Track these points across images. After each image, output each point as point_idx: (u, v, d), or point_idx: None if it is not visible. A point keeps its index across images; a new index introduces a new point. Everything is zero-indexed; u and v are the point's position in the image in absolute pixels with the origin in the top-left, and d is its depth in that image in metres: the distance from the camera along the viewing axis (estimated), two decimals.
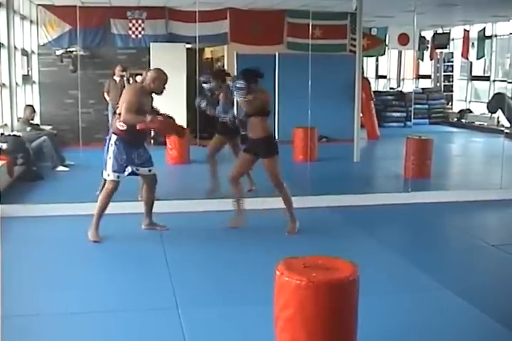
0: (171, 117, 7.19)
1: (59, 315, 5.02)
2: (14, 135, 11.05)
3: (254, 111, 7.22)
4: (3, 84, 11.67)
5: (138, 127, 6.86)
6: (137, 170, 7.16)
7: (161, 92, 7.12)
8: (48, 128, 12.83)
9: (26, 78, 13.77)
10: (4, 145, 10.58)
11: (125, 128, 6.92)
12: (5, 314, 4.92)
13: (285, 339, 3.87)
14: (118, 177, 7.03)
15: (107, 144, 7.09)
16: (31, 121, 11.93)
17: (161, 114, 7.19)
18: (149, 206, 7.45)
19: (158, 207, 7.55)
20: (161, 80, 7.08)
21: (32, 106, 12.24)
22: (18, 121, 11.97)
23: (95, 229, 7.03)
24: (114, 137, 7.03)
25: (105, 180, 7.15)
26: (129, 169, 7.05)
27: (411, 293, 5.53)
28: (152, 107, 7.22)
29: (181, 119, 11.23)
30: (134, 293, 5.47)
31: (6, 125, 11.79)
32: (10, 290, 5.50)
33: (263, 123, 7.33)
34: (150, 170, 7.27)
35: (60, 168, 11.21)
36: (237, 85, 7.23)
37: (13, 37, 12.16)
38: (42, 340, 4.58)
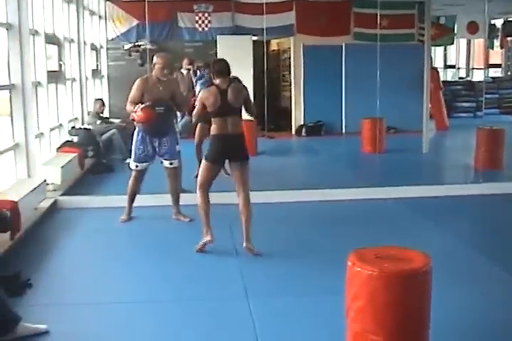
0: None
1: (129, 303, 5.09)
2: (85, 128, 11.28)
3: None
4: (74, 79, 11.88)
5: (130, 118, 7.15)
6: (161, 162, 7.41)
7: (164, 76, 7.20)
8: (117, 121, 13.00)
9: (95, 72, 14.01)
10: (75, 138, 10.80)
11: None
12: (78, 302, 5.05)
13: (356, 329, 3.83)
14: (137, 166, 7.36)
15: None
16: (101, 115, 12.14)
17: (153, 105, 7.11)
18: (174, 197, 7.57)
19: (228, 198, 7.60)
20: (157, 65, 7.20)
21: (101, 99, 12.44)
22: (88, 114, 12.20)
23: (127, 214, 7.56)
24: (137, 128, 7.30)
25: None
26: (148, 160, 7.39)
27: (484, 284, 5.43)
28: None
29: None
30: (203, 283, 5.51)
31: (76, 118, 12.01)
32: (81, 279, 5.63)
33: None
34: (171, 163, 7.40)
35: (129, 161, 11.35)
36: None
37: (83, 32, 12.38)
38: (110, 327, 4.64)
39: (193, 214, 7.38)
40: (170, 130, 7.41)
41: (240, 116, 6.39)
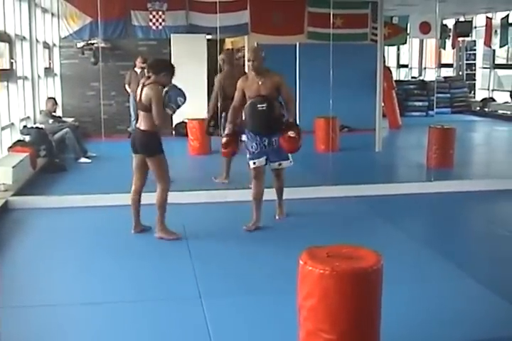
0: None
1: (81, 305, 5.05)
2: (37, 127, 11.13)
3: None
4: (26, 77, 11.73)
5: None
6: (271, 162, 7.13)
7: (259, 70, 7.15)
8: (70, 120, 12.88)
9: (48, 71, 13.84)
10: (27, 138, 10.66)
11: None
12: (30, 304, 4.98)
13: (308, 328, 3.86)
14: (254, 163, 7.00)
15: None
16: (53, 114, 11.99)
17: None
18: (278, 194, 7.50)
19: (182, 198, 7.58)
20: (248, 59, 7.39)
21: (54, 98, 12.29)
22: (40, 113, 12.04)
23: (254, 221, 7.11)
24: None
25: None
26: (263, 157, 7.02)
27: (434, 282, 5.50)
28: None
29: (202, 110, 11.24)
30: (155, 283, 5.49)
31: (28, 117, 11.86)
32: (34, 281, 5.56)
33: None
34: (280, 164, 7.19)
35: (83, 160, 11.26)
36: None
37: (35, 30, 12.22)
38: (60, 329, 4.60)
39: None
40: (278, 128, 6.89)
41: (150, 114, 6.45)
